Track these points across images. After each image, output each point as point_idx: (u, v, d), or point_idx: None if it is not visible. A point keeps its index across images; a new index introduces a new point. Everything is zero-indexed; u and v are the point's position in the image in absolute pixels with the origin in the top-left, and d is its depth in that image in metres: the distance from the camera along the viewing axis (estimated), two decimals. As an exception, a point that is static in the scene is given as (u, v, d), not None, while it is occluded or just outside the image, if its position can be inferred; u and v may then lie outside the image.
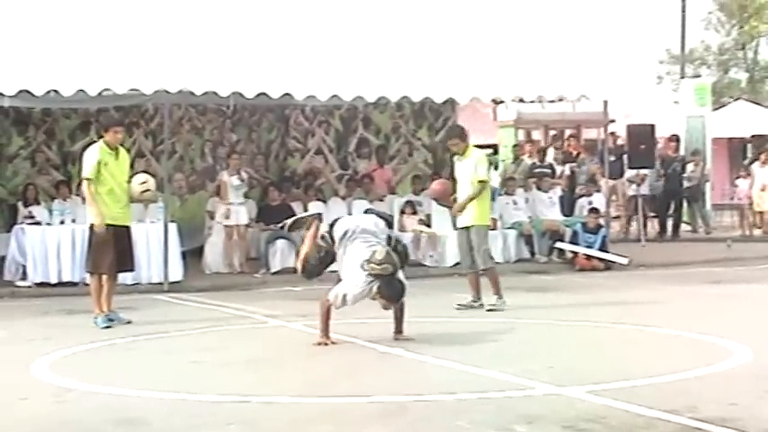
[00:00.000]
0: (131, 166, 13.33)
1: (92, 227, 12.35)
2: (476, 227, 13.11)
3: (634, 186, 23.27)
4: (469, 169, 13.09)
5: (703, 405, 7.44)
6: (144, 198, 12.90)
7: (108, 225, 12.19)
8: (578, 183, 21.40)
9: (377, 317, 10.96)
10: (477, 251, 13.07)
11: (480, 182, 13.08)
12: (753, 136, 30.39)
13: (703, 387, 8.14)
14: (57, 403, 8.17)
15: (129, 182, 12.47)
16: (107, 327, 11.99)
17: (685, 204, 24.40)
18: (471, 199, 13.04)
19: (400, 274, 10.33)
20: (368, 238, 10.43)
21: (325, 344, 10.35)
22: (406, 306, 10.60)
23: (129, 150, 13.84)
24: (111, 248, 12.21)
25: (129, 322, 12.32)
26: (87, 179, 12.26)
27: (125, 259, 12.50)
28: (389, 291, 10.15)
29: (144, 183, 12.57)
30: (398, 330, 10.64)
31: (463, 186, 13.18)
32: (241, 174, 17.97)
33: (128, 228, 12.57)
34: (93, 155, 12.31)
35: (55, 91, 15.41)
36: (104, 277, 12.32)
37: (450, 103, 19.47)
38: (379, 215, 11.24)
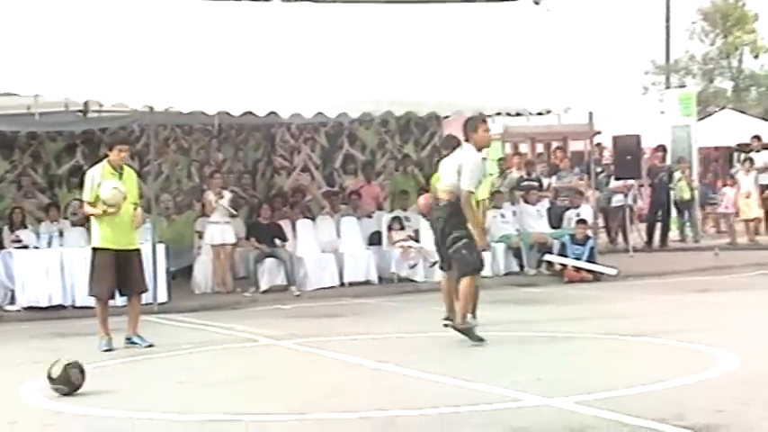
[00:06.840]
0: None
1: (94, 250, 12.13)
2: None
3: (620, 197, 23.33)
4: None
5: (690, 413, 7.47)
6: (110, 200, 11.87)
7: (107, 249, 11.97)
8: (560, 194, 21.39)
9: (366, 332, 10.96)
10: None
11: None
12: (738, 144, 30.47)
13: (690, 395, 8.17)
14: (46, 426, 8.18)
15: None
16: (108, 350, 11.91)
17: (674, 213, 24.48)
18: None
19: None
20: None
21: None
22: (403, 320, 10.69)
23: (138, 172, 13.36)
24: (110, 273, 11.97)
25: (150, 345, 12.04)
26: (88, 203, 12.01)
27: (128, 282, 12.12)
28: (460, 264, 11.38)
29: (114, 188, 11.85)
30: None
31: None
32: (222, 194, 17.91)
33: (132, 251, 12.13)
34: (94, 176, 11.99)
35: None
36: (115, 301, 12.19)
37: (436, 117, 19.48)
38: None
